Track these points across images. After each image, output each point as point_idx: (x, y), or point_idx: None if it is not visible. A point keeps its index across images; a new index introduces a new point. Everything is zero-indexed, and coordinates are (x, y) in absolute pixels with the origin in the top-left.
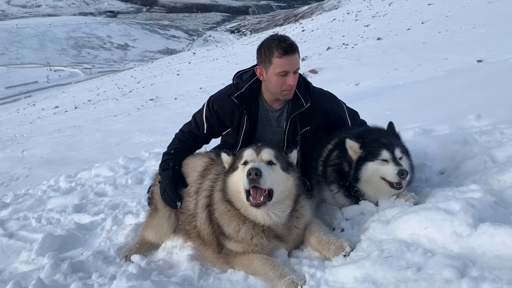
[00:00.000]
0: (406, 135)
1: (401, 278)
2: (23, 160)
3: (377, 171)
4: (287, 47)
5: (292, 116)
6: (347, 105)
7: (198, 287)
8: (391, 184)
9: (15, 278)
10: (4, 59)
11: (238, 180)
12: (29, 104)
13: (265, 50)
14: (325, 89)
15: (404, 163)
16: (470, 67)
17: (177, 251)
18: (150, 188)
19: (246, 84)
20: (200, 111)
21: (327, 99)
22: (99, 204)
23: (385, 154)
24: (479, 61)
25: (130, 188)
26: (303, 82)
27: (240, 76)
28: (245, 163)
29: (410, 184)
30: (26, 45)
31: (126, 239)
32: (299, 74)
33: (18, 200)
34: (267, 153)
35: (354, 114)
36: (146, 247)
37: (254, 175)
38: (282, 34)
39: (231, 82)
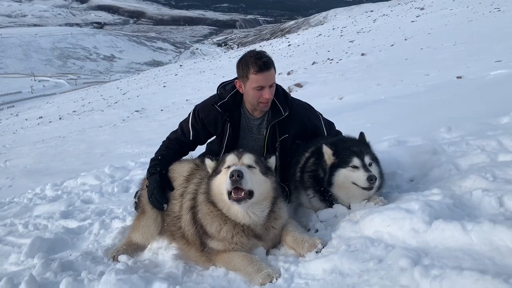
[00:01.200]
0: (382, 146)
1: (364, 268)
2: (5, 170)
3: (349, 177)
4: (262, 64)
5: (271, 124)
6: (324, 116)
7: (182, 283)
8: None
9: (7, 276)
10: None
11: (221, 183)
12: (12, 114)
13: (243, 65)
14: (309, 102)
15: (374, 170)
16: (450, 83)
17: (162, 252)
18: (137, 192)
19: (229, 94)
20: (186, 119)
21: (305, 109)
22: (86, 210)
23: (355, 161)
24: (459, 77)
25: (116, 196)
26: (282, 92)
27: (223, 86)
28: (228, 167)
29: (380, 189)
30: (10, 55)
31: (113, 241)
32: (278, 85)
33: (4, 208)
34: (247, 158)
35: (330, 124)
36: (132, 248)
37: (237, 176)
38: (259, 50)
39: (216, 92)
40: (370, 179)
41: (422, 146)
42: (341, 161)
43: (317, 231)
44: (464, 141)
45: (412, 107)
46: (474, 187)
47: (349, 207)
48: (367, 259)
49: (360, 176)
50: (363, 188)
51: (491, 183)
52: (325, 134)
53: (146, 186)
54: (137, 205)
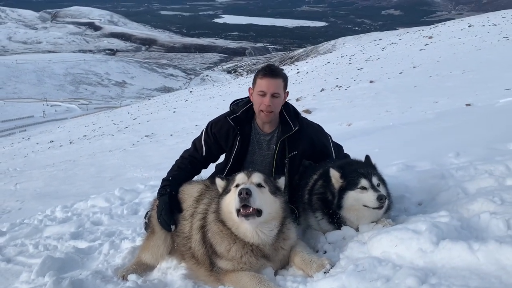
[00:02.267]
0: (390, 170)
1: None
2: (16, 193)
3: (358, 199)
4: (269, 70)
5: (281, 139)
6: (333, 139)
7: None
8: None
9: None
10: (1, 93)
11: (231, 201)
12: (23, 138)
13: (256, 74)
14: None
15: (382, 190)
16: (459, 110)
17: (171, 271)
18: (147, 213)
19: (242, 109)
20: (199, 136)
21: (314, 128)
22: (96, 232)
23: (364, 182)
24: (467, 104)
25: (125, 218)
26: (292, 109)
27: (236, 103)
28: (237, 185)
29: (388, 211)
30: (24, 80)
31: (123, 261)
32: (290, 103)
33: (15, 229)
34: (257, 177)
35: (338, 147)
36: (142, 268)
37: (245, 194)
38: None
39: (229, 109)
40: (380, 198)
41: (430, 171)
42: (350, 184)
43: (325, 252)
44: (472, 166)
45: (421, 133)
46: (482, 210)
47: (357, 229)
48: (374, 278)
49: (370, 197)
50: (374, 208)
51: (499, 206)
52: (333, 155)
53: (157, 206)
54: (147, 226)
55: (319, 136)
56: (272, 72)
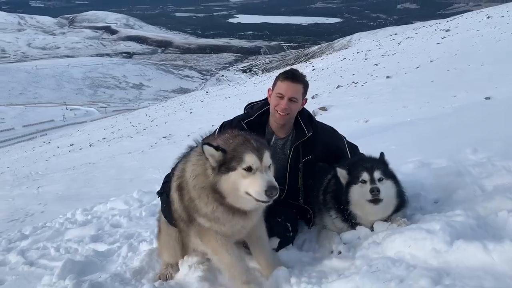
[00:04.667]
0: (406, 168)
1: None
2: (38, 196)
3: (360, 193)
4: (290, 75)
5: (295, 144)
6: (347, 139)
7: None
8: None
9: None
10: (22, 99)
11: (241, 183)
12: (44, 142)
13: (277, 76)
14: (334, 125)
15: (385, 185)
16: (478, 104)
17: (188, 273)
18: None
19: (256, 113)
20: (211, 135)
21: (328, 132)
22: (115, 234)
23: (364, 175)
24: (487, 98)
25: (144, 220)
26: (307, 114)
27: (251, 106)
28: (249, 168)
29: (402, 210)
30: (44, 85)
31: (141, 263)
32: (305, 108)
33: (37, 232)
34: (267, 157)
35: (354, 148)
36: (172, 268)
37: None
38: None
39: (243, 112)
40: (372, 190)
41: (446, 168)
42: (353, 178)
43: (339, 253)
44: (490, 162)
45: (438, 128)
46: (499, 208)
47: (372, 229)
48: (388, 279)
49: (365, 189)
50: (368, 201)
51: None
52: (349, 156)
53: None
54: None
55: (333, 139)
56: (294, 76)
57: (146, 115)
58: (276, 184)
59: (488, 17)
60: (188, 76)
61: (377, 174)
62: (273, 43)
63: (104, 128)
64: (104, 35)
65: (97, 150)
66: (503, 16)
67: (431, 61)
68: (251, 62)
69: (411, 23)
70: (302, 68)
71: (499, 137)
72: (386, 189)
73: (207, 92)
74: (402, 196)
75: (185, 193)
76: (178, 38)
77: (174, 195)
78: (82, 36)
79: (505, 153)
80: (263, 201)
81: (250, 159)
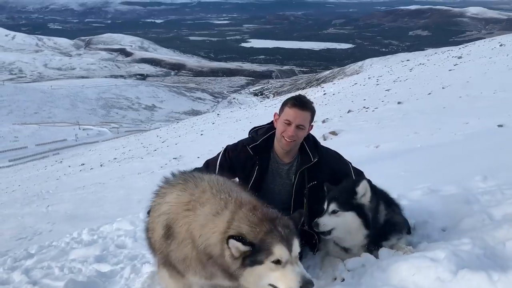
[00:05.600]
0: (414, 194)
1: None
2: (47, 215)
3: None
4: (299, 101)
5: (300, 170)
6: (353, 165)
7: None
8: None
9: None
10: (37, 118)
11: (266, 276)
12: (56, 161)
13: (285, 101)
14: (344, 150)
15: (340, 217)
16: (490, 131)
17: None
18: None
19: (261, 138)
20: (215, 158)
21: (334, 157)
22: (119, 255)
23: (331, 206)
24: (499, 125)
25: None
26: (312, 140)
27: (256, 131)
28: (278, 261)
29: (400, 235)
30: (59, 105)
31: (142, 286)
32: (311, 134)
33: (43, 251)
34: (296, 246)
35: (359, 174)
36: None
37: None
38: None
39: (248, 136)
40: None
41: (455, 195)
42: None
43: (343, 280)
44: (500, 190)
45: (449, 155)
46: (508, 237)
47: (377, 256)
48: None
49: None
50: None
51: None
52: None
53: None
54: None
55: (339, 165)
56: (302, 103)
57: (157, 136)
58: (310, 277)
59: (500, 45)
60: (200, 99)
61: (331, 207)
62: (285, 67)
63: (115, 148)
64: (119, 57)
65: (108, 170)
66: None
67: (443, 88)
68: (262, 86)
69: (423, 49)
70: (314, 92)
71: (510, 165)
72: (337, 221)
73: (218, 114)
74: (406, 223)
75: (176, 243)
76: (191, 61)
77: (157, 231)
78: (97, 57)
79: None
80: None
81: (279, 251)
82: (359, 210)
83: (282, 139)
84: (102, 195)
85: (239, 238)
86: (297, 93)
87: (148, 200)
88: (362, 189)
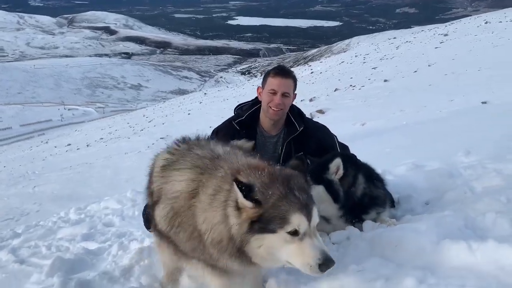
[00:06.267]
0: (399, 170)
1: None
2: (34, 196)
3: None
4: (281, 70)
5: (287, 140)
6: (339, 140)
7: None
8: None
9: None
10: (20, 98)
11: (279, 248)
12: (42, 141)
13: (266, 73)
14: (331, 128)
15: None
16: (474, 108)
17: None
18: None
19: (246, 113)
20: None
21: (320, 129)
22: (107, 233)
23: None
24: (483, 102)
25: (136, 219)
26: (297, 110)
27: (241, 107)
28: (295, 231)
29: (386, 209)
30: (43, 85)
31: (130, 262)
32: (294, 105)
33: (30, 230)
34: (316, 216)
35: (344, 147)
36: None
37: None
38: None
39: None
40: None
41: (438, 170)
42: None
43: None
44: (481, 165)
45: (433, 132)
46: (488, 209)
47: (361, 229)
48: (374, 278)
49: None
50: None
51: (504, 205)
52: None
53: None
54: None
55: (325, 137)
56: (284, 72)
57: (144, 115)
58: (330, 254)
59: (486, 23)
60: (186, 77)
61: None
62: (272, 45)
63: (101, 128)
64: (103, 36)
65: (94, 150)
66: (501, 22)
67: (429, 66)
68: (250, 64)
69: (410, 27)
70: (301, 71)
71: (492, 140)
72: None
73: (205, 93)
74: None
75: (184, 233)
76: (177, 39)
77: (162, 221)
78: (81, 36)
79: (497, 156)
80: (313, 275)
81: (297, 220)
82: (328, 185)
83: (269, 109)
84: (89, 175)
85: (245, 185)
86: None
87: (138, 179)
88: (334, 166)
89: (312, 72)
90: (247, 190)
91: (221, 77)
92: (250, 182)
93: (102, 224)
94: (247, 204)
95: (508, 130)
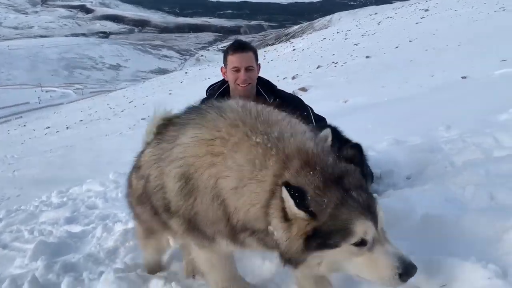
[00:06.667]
0: (380, 145)
1: None
2: (14, 180)
3: None
4: (238, 45)
5: None
6: (327, 116)
7: (179, 280)
8: None
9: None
10: None
11: (346, 263)
12: (20, 125)
13: (225, 52)
14: (314, 106)
15: None
16: (454, 83)
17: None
18: None
19: (217, 92)
20: None
21: (293, 100)
22: (90, 216)
23: None
24: (463, 77)
25: (120, 201)
26: (265, 82)
27: (212, 88)
28: (362, 242)
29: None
30: (18, 66)
31: (115, 243)
32: (263, 77)
33: (11, 215)
34: (382, 216)
35: (321, 119)
36: None
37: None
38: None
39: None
40: None
41: (419, 145)
42: None
43: None
44: (461, 139)
45: (415, 107)
46: (467, 182)
47: None
48: None
49: None
50: None
51: (483, 178)
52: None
53: None
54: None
55: (299, 108)
56: (242, 46)
57: (124, 96)
58: (409, 258)
59: None
60: (166, 56)
61: None
62: (253, 22)
63: (81, 110)
64: (79, 14)
65: (75, 132)
66: None
67: (410, 41)
68: (231, 42)
69: (391, 2)
70: (283, 48)
71: (472, 114)
72: None
73: (186, 72)
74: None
75: (201, 202)
76: (155, 17)
77: (170, 185)
78: (56, 15)
79: (477, 130)
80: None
81: (362, 228)
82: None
83: (237, 86)
84: (70, 158)
85: (297, 190)
86: (266, 51)
87: (121, 161)
88: (323, 136)
89: (294, 49)
90: (300, 197)
91: (202, 55)
92: (301, 186)
93: (85, 207)
94: (300, 214)
95: (487, 104)
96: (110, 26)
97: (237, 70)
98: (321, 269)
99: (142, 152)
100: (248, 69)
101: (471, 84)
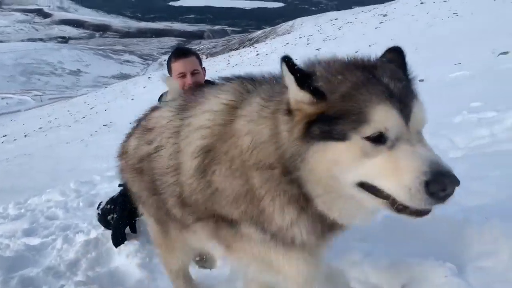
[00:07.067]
0: None
1: None
2: None
3: None
4: (179, 52)
5: None
6: None
7: None
8: None
9: None
10: None
11: (353, 164)
12: None
13: (168, 61)
14: None
15: None
16: None
17: (127, 260)
18: (99, 204)
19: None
20: None
21: None
22: (50, 227)
23: None
24: (421, 80)
25: (81, 211)
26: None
27: (163, 96)
28: (381, 138)
29: None
30: None
31: (76, 255)
32: (212, 80)
33: None
34: (422, 113)
35: None
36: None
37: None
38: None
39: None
40: None
41: None
42: None
43: None
44: None
45: None
46: None
47: None
48: None
49: None
50: None
51: None
52: None
53: None
54: (100, 217)
55: None
56: (183, 52)
57: (85, 102)
58: (449, 168)
59: (421, 3)
60: (128, 61)
61: None
62: (217, 27)
63: (40, 117)
64: (36, 19)
65: (33, 140)
66: (434, 2)
67: (369, 46)
68: (195, 47)
69: (351, 7)
70: (247, 53)
71: (430, 116)
72: None
73: (149, 77)
74: None
75: (219, 172)
76: (116, 21)
77: (188, 162)
78: (11, 19)
79: (433, 132)
80: (419, 211)
81: (382, 115)
82: None
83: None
84: (29, 167)
85: (300, 71)
86: (230, 55)
87: (82, 168)
88: None
89: (258, 54)
90: (303, 77)
91: (164, 60)
92: (308, 70)
93: (45, 218)
94: (302, 96)
95: (442, 106)
96: (69, 31)
97: (183, 75)
98: (321, 171)
99: (155, 111)
100: (193, 73)
101: (428, 87)
